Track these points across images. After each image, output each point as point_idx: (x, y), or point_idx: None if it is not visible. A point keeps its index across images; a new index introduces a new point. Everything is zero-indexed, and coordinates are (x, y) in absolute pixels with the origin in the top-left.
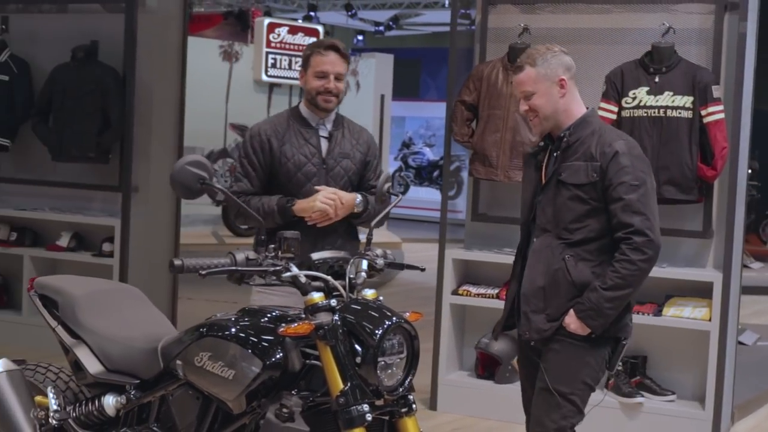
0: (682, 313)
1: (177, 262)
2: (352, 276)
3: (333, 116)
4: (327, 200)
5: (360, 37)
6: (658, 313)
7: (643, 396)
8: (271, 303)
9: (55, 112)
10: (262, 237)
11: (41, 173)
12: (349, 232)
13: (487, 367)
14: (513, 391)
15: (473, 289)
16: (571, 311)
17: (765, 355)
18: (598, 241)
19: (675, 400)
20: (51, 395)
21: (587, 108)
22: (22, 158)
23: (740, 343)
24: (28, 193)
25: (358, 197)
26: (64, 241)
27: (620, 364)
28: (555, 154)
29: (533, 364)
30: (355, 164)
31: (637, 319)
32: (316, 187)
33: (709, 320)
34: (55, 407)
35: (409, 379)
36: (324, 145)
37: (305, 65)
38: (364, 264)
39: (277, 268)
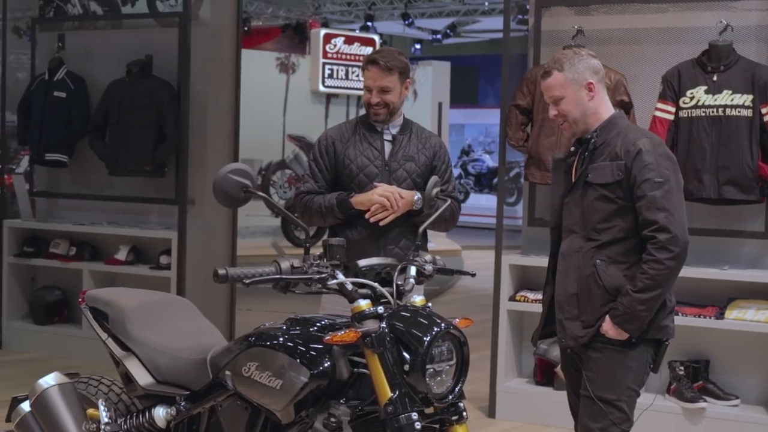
0: (745, 316)
1: (221, 271)
2: (399, 282)
3: (400, 121)
4: (385, 194)
5: (417, 46)
6: (721, 316)
7: (706, 401)
8: (340, 311)
9: (111, 127)
10: (308, 245)
11: (99, 188)
12: (413, 232)
13: (546, 374)
14: None
15: (531, 295)
16: (607, 317)
17: None
18: (628, 242)
19: (739, 404)
20: (102, 408)
21: (616, 110)
22: (80, 173)
23: None
24: (86, 208)
25: (417, 194)
26: (122, 254)
27: (682, 368)
28: (584, 156)
29: (576, 370)
30: (419, 167)
31: (699, 322)
32: (375, 183)
33: None
34: (106, 420)
35: (459, 387)
36: (388, 148)
37: None
38: (413, 270)
39: (323, 275)
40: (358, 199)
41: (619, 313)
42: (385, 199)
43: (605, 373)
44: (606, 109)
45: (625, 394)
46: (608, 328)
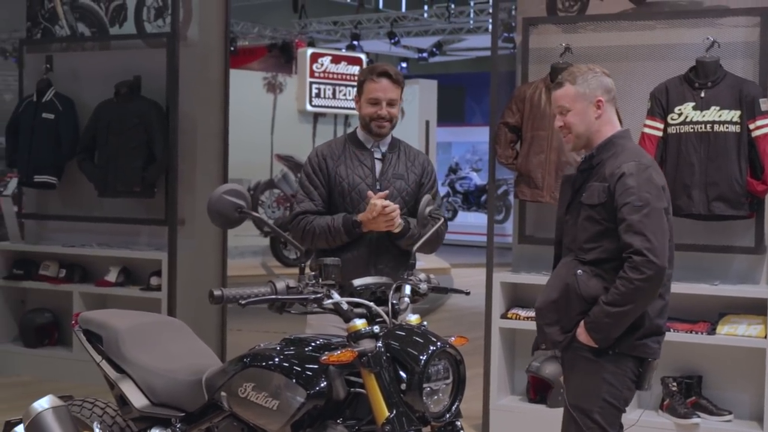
0: (736, 331)
1: (217, 292)
2: (395, 301)
3: (389, 139)
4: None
5: (404, 65)
6: (712, 331)
7: (699, 417)
8: (327, 331)
9: (100, 148)
10: (303, 264)
11: (88, 209)
12: (402, 253)
13: (539, 391)
14: None
15: (522, 313)
16: (582, 322)
17: None
18: (612, 263)
19: (732, 420)
20: (97, 430)
21: (621, 128)
22: (69, 195)
23: None
24: (75, 230)
25: (399, 219)
26: (112, 276)
27: (675, 384)
28: (583, 175)
29: None
30: (409, 185)
31: (690, 338)
32: (369, 193)
33: (765, 337)
34: None
35: (455, 405)
36: (378, 166)
37: (359, 91)
38: (407, 289)
39: (318, 295)
40: (366, 218)
41: (590, 320)
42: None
43: (580, 382)
44: (610, 128)
45: (598, 405)
46: (581, 332)
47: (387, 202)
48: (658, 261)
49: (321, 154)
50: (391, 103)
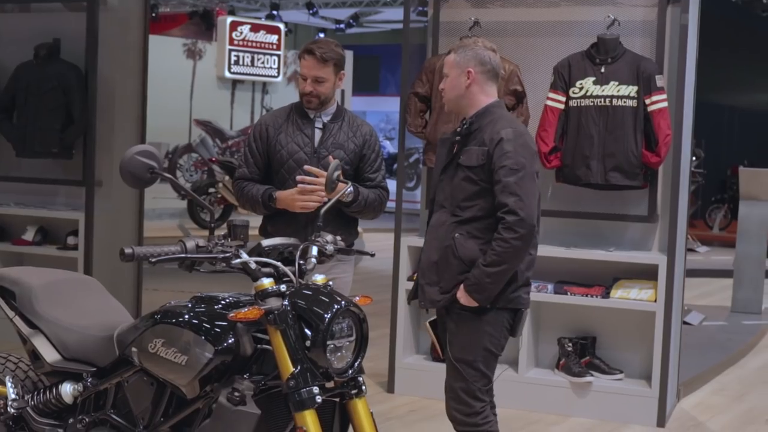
0: (628, 295)
1: (128, 250)
2: (301, 262)
3: (333, 109)
4: (303, 197)
5: (321, 35)
6: (606, 295)
7: (592, 375)
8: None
9: (19, 109)
10: (213, 225)
11: (6, 169)
12: (343, 219)
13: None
14: None
15: None
16: (461, 286)
17: (710, 334)
18: (486, 220)
19: (623, 378)
20: (9, 384)
21: (496, 100)
22: None
23: (686, 323)
24: None
25: (350, 188)
26: (29, 235)
27: (570, 344)
28: (458, 139)
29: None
30: (348, 155)
31: (586, 301)
32: (298, 178)
33: (655, 301)
34: (13, 396)
35: (358, 362)
36: (318, 135)
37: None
38: (314, 250)
39: (227, 254)
40: (281, 196)
41: (470, 283)
42: (305, 204)
43: (463, 336)
44: (485, 98)
45: (481, 355)
46: (461, 295)
47: (309, 179)
48: (528, 219)
49: (264, 123)
50: (317, 80)
